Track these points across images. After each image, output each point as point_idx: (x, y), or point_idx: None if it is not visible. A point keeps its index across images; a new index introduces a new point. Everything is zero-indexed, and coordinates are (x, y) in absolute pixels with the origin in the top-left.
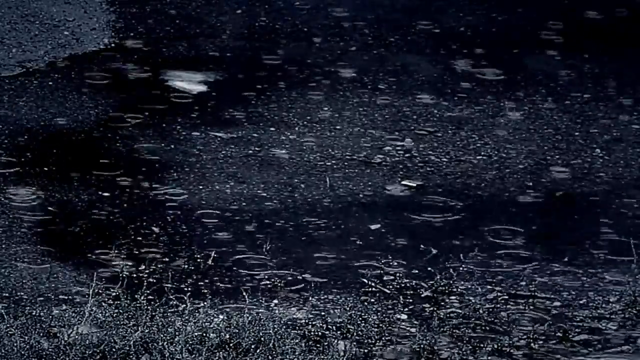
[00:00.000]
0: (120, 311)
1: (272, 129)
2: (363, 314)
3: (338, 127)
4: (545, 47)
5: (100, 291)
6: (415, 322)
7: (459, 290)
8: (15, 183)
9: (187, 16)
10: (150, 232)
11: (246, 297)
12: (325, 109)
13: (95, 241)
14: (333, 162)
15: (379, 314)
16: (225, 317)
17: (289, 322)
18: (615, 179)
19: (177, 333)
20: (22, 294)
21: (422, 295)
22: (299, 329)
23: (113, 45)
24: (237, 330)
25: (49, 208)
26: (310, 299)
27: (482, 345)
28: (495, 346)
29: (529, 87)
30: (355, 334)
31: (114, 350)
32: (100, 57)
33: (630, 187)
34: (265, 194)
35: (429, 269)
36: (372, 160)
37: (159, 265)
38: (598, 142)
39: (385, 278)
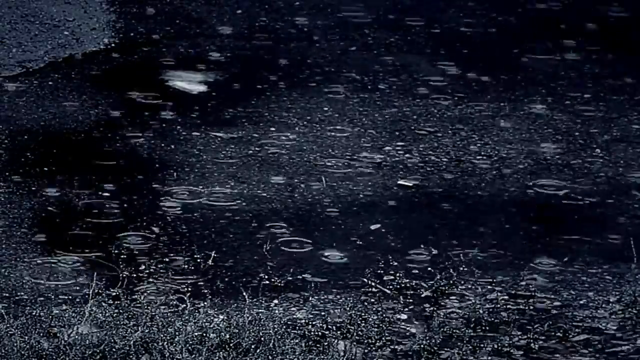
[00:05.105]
0: (120, 311)
1: (272, 129)
2: (363, 314)
3: (338, 127)
4: (545, 47)
5: (100, 291)
6: (415, 322)
7: (459, 290)
8: (16, 183)
9: (187, 16)
10: (150, 232)
11: (246, 297)
12: (325, 109)
13: (95, 241)
14: (333, 162)
15: (379, 314)
16: (225, 317)
17: (289, 322)
18: (615, 179)
19: (177, 333)
20: (22, 294)
21: (422, 295)
22: (299, 329)
23: (113, 45)
24: (237, 330)
25: (49, 208)
26: (310, 299)
27: (482, 345)
28: (495, 346)
29: (529, 87)
30: (355, 334)
31: (114, 350)
32: (100, 57)
33: (630, 187)
34: (265, 194)
35: (429, 269)
36: (372, 160)
37: (159, 265)
38: (598, 142)
39: (385, 278)
